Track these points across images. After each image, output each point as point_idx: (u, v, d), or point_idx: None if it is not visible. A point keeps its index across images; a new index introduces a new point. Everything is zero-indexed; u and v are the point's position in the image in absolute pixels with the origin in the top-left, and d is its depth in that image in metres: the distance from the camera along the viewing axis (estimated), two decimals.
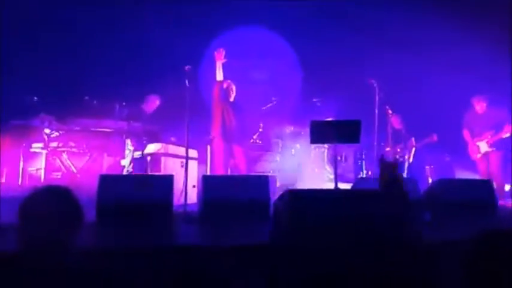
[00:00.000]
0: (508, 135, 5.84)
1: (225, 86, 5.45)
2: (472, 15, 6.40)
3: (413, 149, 6.66)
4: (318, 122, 4.53)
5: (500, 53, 6.21)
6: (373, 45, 6.76)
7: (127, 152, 5.46)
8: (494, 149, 5.98)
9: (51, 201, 1.60)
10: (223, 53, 5.33)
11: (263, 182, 3.89)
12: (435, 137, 6.63)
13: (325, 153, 6.83)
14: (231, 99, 5.51)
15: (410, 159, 6.61)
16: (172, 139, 5.84)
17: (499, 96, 6.11)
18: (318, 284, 1.92)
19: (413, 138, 6.69)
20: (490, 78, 6.21)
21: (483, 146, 6.05)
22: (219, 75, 5.36)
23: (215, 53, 5.36)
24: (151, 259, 2.35)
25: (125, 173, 5.34)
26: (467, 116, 6.26)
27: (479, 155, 6.09)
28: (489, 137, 6.00)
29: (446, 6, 6.54)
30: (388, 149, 6.29)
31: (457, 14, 6.42)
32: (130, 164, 5.39)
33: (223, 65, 5.38)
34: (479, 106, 6.14)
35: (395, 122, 6.48)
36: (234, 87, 5.54)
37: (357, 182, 5.31)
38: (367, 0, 6.93)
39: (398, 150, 6.56)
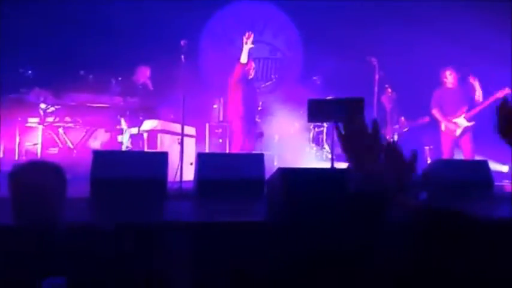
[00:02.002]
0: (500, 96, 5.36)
1: (247, 68, 5.49)
2: None
3: (406, 129, 6.56)
4: (314, 100, 4.48)
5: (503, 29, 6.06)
6: (375, 21, 6.62)
7: (124, 128, 5.42)
8: (473, 122, 5.72)
9: (38, 175, 1.59)
10: (252, 37, 5.30)
11: (258, 160, 3.87)
12: (427, 119, 6.41)
13: (324, 133, 6.78)
14: (250, 77, 5.58)
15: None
16: (172, 116, 5.80)
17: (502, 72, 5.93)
18: (311, 261, 1.92)
19: (403, 118, 6.52)
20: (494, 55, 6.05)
21: (462, 122, 5.78)
22: (244, 58, 5.35)
23: (244, 36, 5.34)
24: (142, 235, 2.34)
25: (123, 149, 5.32)
26: (437, 92, 5.94)
27: (458, 132, 5.80)
28: (465, 111, 5.73)
29: None
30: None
31: None
32: (129, 140, 5.36)
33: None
34: (450, 79, 5.84)
35: (386, 101, 6.28)
36: (253, 65, 5.63)
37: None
38: None
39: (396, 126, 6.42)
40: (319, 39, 7.06)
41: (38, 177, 1.54)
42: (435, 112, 5.94)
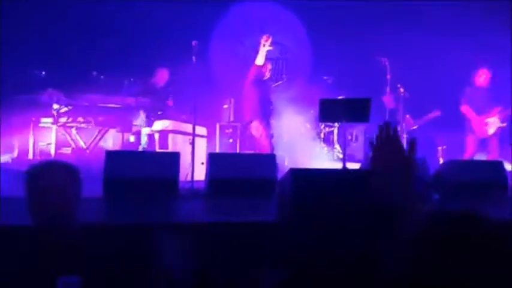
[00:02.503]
0: None
1: (263, 69, 5.48)
2: None
3: (414, 128, 6.46)
4: (326, 100, 4.46)
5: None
6: (386, 21, 6.56)
7: (143, 126, 5.46)
8: (505, 124, 5.66)
9: (54, 175, 1.60)
10: (270, 40, 5.25)
11: (270, 161, 3.87)
12: (438, 112, 6.31)
13: (335, 132, 6.75)
14: (265, 78, 5.57)
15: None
16: (183, 116, 5.84)
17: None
18: (320, 262, 1.91)
19: (408, 116, 6.39)
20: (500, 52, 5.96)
21: (495, 122, 5.72)
22: (260, 60, 5.30)
23: (262, 39, 5.28)
24: (154, 235, 2.35)
25: (140, 149, 5.37)
26: (469, 90, 5.83)
27: (491, 131, 5.73)
28: (499, 111, 5.66)
29: None
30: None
31: None
32: (146, 141, 5.41)
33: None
34: (482, 79, 5.74)
35: (388, 101, 6.15)
36: (269, 66, 5.62)
37: (366, 161, 5.24)
38: None
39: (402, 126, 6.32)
40: (330, 39, 7.03)
41: (54, 177, 1.56)
42: (465, 109, 5.81)
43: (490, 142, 5.78)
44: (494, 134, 5.74)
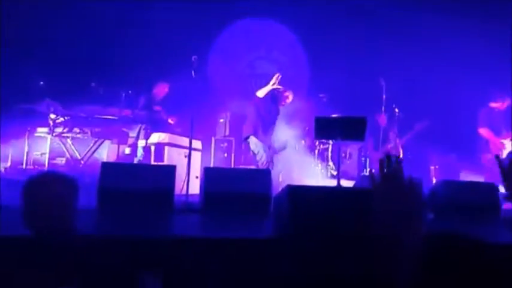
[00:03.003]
0: None
1: (285, 95, 5.66)
2: (478, 15, 6.30)
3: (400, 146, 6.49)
4: (322, 118, 4.51)
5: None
6: (382, 42, 6.69)
7: (139, 141, 5.49)
8: None
9: (50, 187, 1.60)
10: (279, 78, 5.33)
11: (265, 176, 3.88)
12: (425, 123, 6.26)
13: (330, 150, 6.80)
14: (282, 104, 5.70)
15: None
16: (179, 129, 5.87)
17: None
18: (316, 279, 1.92)
19: (391, 133, 6.34)
20: (495, 76, 6.06)
21: (508, 145, 5.75)
22: (261, 93, 5.35)
23: (274, 76, 5.36)
24: (148, 249, 2.35)
25: (135, 161, 5.38)
26: (485, 112, 5.88)
27: (504, 153, 5.74)
28: None
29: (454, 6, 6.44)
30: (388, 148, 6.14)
31: (466, 14, 6.32)
32: (142, 153, 5.42)
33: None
34: (502, 103, 5.80)
35: (382, 120, 6.14)
36: (291, 96, 5.71)
37: (360, 179, 5.28)
38: None
39: (389, 146, 6.35)
40: (326, 57, 7.13)
41: (54, 188, 1.57)
42: (485, 131, 5.86)
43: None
44: (507, 156, 5.74)
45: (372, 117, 5.42)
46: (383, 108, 5.70)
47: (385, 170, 1.12)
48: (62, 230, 1.58)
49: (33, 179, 1.60)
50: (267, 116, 5.51)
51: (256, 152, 5.36)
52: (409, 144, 6.45)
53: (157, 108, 5.93)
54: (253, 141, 5.38)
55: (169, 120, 5.96)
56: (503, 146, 5.83)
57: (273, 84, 5.33)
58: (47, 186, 1.57)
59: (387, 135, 6.29)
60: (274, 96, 5.55)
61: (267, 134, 5.52)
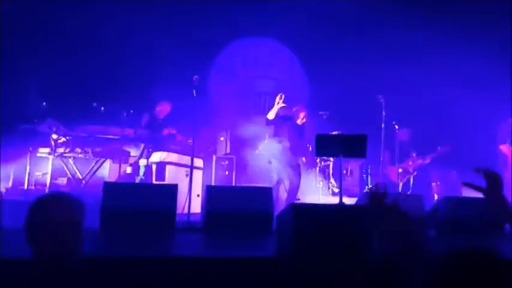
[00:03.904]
0: None
1: (299, 113, 5.81)
2: (475, 31, 6.37)
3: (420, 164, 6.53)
4: (323, 135, 4.54)
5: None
6: (381, 60, 6.76)
7: (140, 160, 5.51)
8: None
9: (60, 208, 1.60)
10: (283, 97, 5.50)
11: (267, 194, 3.88)
12: (442, 150, 6.35)
13: (331, 167, 6.80)
14: (298, 122, 5.80)
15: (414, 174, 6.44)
16: (179, 148, 5.88)
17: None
18: None
19: (414, 154, 6.46)
20: (495, 93, 6.09)
21: None
22: (271, 115, 5.50)
23: (277, 96, 5.53)
24: (152, 268, 2.34)
25: (137, 181, 5.37)
26: (503, 127, 5.84)
27: None
28: None
29: (452, 23, 6.52)
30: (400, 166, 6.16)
31: (462, 30, 6.39)
32: (144, 173, 5.43)
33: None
34: None
35: (403, 135, 6.24)
36: (303, 116, 5.82)
37: (362, 196, 5.27)
38: (374, 15, 6.94)
39: (411, 163, 6.39)
40: (325, 75, 7.20)
41: (65, 209, 1.56)
42: (505, 148, 5.81)
43: None
44: None
45: (373, 134, 5.43)
46: (382, 126, 5.72)
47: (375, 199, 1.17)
48: (69, 252, 1.57)
49: (41, 199, 1.59)
50: (292, 137, 5.62)
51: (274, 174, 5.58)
52: (428, 165, 6.48)
53: (172, 131, 5.96)
54: (275, 165, 5.59)
55: (189, 141, 5.97)
56: None
57: (278, 103, 5.47)
58: (56, 206, 1.56)
59: (408, 151, 6.33)
60: (286, 117, 5.65)
61: (297, 155, 5.68)
